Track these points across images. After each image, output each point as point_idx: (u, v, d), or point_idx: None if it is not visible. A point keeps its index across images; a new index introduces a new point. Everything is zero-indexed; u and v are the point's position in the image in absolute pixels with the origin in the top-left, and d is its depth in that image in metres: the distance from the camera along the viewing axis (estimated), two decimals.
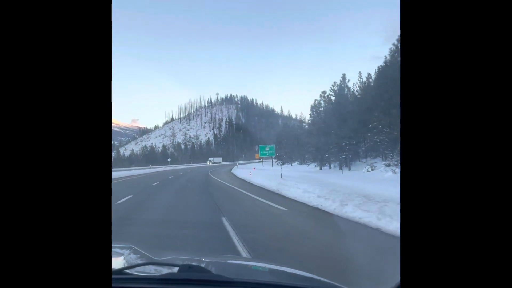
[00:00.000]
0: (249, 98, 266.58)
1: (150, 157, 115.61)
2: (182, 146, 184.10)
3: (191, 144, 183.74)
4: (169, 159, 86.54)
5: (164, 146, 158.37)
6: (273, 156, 38.97)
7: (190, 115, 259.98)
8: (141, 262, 1.32)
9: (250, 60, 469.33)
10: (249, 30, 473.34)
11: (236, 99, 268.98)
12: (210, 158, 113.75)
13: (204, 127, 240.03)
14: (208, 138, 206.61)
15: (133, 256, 1.66)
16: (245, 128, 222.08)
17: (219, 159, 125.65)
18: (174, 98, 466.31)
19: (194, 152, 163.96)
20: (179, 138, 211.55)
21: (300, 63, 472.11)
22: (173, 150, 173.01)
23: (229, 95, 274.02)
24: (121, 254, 1.74)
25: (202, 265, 1.19)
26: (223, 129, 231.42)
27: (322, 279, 1.35)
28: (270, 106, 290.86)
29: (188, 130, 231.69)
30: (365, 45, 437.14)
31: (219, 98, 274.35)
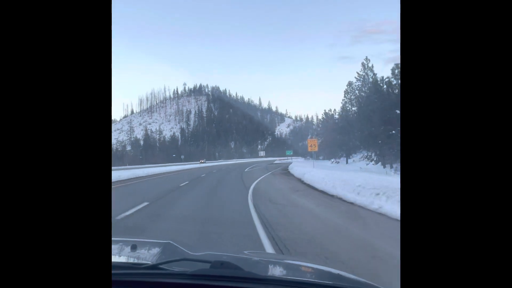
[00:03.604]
0: (221, 89, 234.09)
1: None
2: (142, 143, 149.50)
3: (151, 140, 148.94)
4: None
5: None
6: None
7: (152, 108, 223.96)
8: (175, 258, 1.37)
9: (220, 48, 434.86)
10: (219, 18, 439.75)
11: (206, 90, 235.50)
12: None
13: (169, 121, 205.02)
14: (174, 133, 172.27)
15: (170, 251, 1.69)
16: (219, 122, 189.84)
17: None
18: (134, 89, 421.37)
19: (155, 149, 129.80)
20: (138, 133, 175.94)
21: (275, 53, 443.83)
22: (130, 148, 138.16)
23: (198, 85, 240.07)
24: (158, 250, 1.79)
25: (234, 261, 1.21)
26: (191, 123, 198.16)
27: (354, 277, 1.36)
28: (246, 97, 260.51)
29: (149, 124, 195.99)
30: (334, 44, 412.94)
31: (186, 88, 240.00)
